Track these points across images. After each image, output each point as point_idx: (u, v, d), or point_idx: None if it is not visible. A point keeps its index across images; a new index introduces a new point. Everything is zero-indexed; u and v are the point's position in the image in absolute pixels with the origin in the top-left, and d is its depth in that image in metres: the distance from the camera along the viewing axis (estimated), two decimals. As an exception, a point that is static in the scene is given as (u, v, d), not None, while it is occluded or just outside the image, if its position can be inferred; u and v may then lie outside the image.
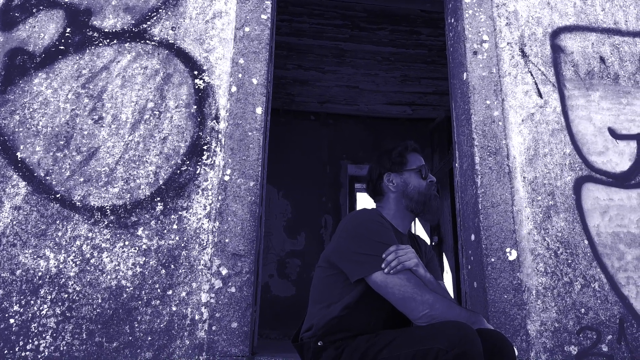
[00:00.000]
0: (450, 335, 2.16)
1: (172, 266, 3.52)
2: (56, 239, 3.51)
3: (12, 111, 3.76)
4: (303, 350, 2.63)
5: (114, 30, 4.07)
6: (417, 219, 2.96)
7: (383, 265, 2.45)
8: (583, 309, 3.74)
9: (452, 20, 4.65)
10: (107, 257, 3.50)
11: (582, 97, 4.30)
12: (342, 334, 2.53)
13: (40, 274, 3.43)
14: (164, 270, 3.50)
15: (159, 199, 3.65)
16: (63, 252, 3.48)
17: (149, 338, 3.36)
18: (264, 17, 4.21)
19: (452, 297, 2.59)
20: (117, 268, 3.48)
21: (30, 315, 3.34)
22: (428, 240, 8.52)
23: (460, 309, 2.44)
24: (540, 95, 4.26)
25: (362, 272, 2.50)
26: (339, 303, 2.57)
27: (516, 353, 3.22)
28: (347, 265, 2.55)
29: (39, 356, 3.26)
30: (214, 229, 3.63)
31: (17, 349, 3.27)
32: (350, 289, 2.57)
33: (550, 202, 3.96)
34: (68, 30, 4.03)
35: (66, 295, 3.39)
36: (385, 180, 2.90)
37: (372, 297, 2.53)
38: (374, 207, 2.95)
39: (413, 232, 3.09)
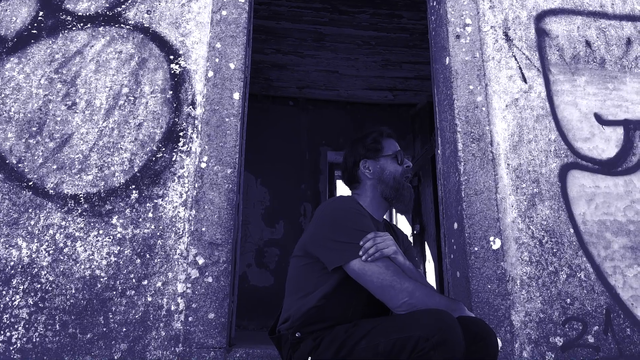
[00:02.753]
0: (430, 323, 2.14)
1: (148, 255, 3.46)
2: (29, 227, 3.44)
3: (-18, 97, 3.70)
4: (281, 343, 2.60)
5: (87, 13, 3.99)
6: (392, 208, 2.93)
7: (360, 253, 2.41)
8: (569, 299, 3.69)
9: (434, 3, 4.57)
10: (80, 246, 3.44)
11: (567, 82, 4.24)
12: (320, 324, 2.49)
13: (12, 263, 3.36)
14: (139, 260, 3.45)
15: (134, 186, 3.59)
16: (36, 241, 3.42)
17: (124, 329, 3.31)
18: None
19: (433, 286, 2.56)
20: (91, 257, 3.42)
21: (2, 306, 3.28)
22: (410, 229, 8.50)
23: (441, 297, 2.40)
24: (524, 80, 4.20)
25: (339, 260, 2.45)
26: (316, 293, 2.53)
27: (500, 344, 3.17)
28: (324, 254, 2.51)
29: (11, 348, 3.21)
30: (191, 218, 3.57)
31: (-13, 341, 3.21)
32: (327, 277, 2.53)
33: (535, 190, 3.91)
34: (41, 14, 3.95)
35: (39, 286, 3.33)
36: (362, 167, 2.87)
37: (350, 285, 2.49)
38: (350, 194, 2.92)
39: (393, 222, 3.04)
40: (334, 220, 2.54)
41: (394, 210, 9.07)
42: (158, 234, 3.51)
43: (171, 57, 3.93)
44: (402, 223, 8.95)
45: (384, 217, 2.95)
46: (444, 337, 2.09)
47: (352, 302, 2.54)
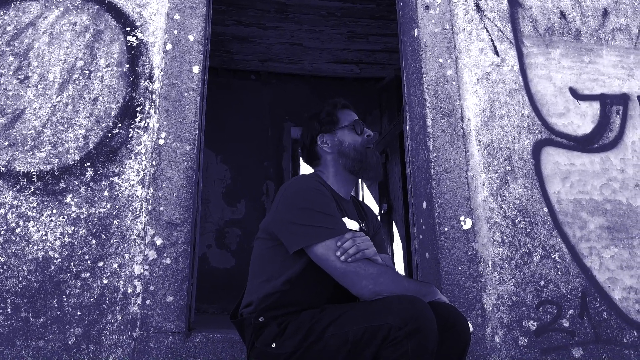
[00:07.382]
0: (402, 310, 2.09)
1: (103, 236, 3.37)
2: (-21, 207, 3.35)
3: None
4: (243, 327, 2.53)
5: (40, -17, 3.86)
6: (360, 181, 2.84)
7: (339, 254, 2.32)
8: (543, 282, 3.62)
9: (404, -27, 4.47)
10: (33, 226, 3.34)
11: (541, 55, 4.15)
12: (285, 309, 2.43)
13: (-39, 244, 3.27)
14: (94, 241, 3.35)
15: (89, 164, 3.49)
16: (-14, 221, 3.32)
17: (79, 313, 3.22)
18: (201, -32, 4.02)
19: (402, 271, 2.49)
20: (44, 238, 3.33)
21: (-50, 289, 3.19)
22: (377, 208, 8.40)
23: (409, 282, 2.35)
24: (496, 52, 4.10)
25: (300, 243, 2.39)
26: (281, 277, 2.47)
27: (471, 329, 3.08)
28: (285, 236, 2.45)
29: (-39, 332, 3.12)
30: (148, 196, 3.47)
31: None
32: (292, 261, 2.47)
33: (508, 167, 3.82)
34: (-8, -17, 3.82)
35: (-11, 268, 3.23)
36: (319, 143, 2.80)
37: (316, 270, 2.41)
38: (313, 172, 2.84)
39: (361, 200, 2.96)
40: (295, 202, 2.47)
41: (361, 188, 9.02)
42: (114, 213, 3.42)
43: (128, 29, 3.81)
44: (369, 202, 8.85)
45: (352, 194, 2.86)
46: (418, 325, 2.05)
47: (318, 287, 2.48)
